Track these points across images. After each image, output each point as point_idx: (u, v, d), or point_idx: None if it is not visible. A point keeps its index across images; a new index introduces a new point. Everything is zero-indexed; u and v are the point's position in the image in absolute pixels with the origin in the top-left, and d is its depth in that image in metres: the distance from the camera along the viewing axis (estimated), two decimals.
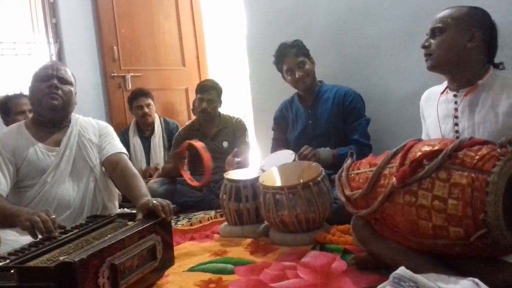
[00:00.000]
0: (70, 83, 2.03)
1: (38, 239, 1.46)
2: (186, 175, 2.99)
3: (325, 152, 2.39)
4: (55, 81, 1.96)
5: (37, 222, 1.48)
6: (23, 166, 1.92)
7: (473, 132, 1.60)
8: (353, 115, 2.53)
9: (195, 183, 2.95)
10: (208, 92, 3.22)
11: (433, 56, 1.65)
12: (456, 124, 1.65)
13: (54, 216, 1.53)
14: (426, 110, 1.85)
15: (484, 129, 1.56)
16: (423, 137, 1.90)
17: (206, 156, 2.80)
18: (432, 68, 1.69)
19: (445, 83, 1.76)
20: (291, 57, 2.57)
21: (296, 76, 2.56)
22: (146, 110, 3.68)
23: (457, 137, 1.62)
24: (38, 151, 1.95)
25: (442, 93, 1.73)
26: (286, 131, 2.75)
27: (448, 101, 1.70)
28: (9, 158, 1.90)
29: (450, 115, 1.68)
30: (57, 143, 2.00)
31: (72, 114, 2.11)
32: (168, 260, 1.61)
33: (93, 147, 2.06)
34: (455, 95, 1.67)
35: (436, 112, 1.74)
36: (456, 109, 1.66)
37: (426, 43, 1.67)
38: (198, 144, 2.86)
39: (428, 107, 1.84)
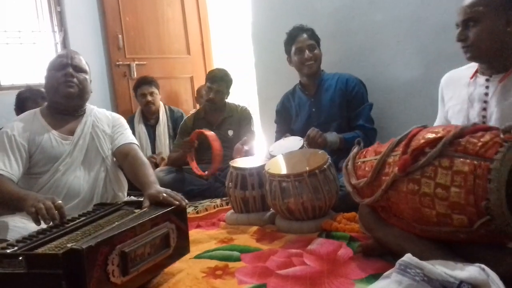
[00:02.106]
0: (85, 71, 2.04)
1: (40, 226, 1.45)
2: (193, 165, 2.99)
3: (332, 136, 2.40)
4: (70, 69, 1.97)
5: (41, 209, 1.48)
6: (37, 153, 1.93)
7: (501, 118, 1.55)
8: (356, 101, 2.53)
9: (201, 173, 2.95)
10: (218, 83, 3.20)
11: (473, 47, 1.58)
12: (484, 109, 1.61)
13: (60, 202, 1.53)
14: (448, 93, 1.80)
15: None
16: (438, 121, 1.87)
17: (216, 145, 2.79)
18: (472, 59, 1.63)
19: (470, 66, 1.71)
20: (303, 38, 2.58)
21: (305, 56, 2.55)
22: (150, 98, 3.67)
23: (484, 122, 1.59)
24: (53, 138, 1.96)
25: (471, 77, 1.68)
26: (290, 122, 2.75)
27: (478, 85, 1.64)
28: (22, 144, 1.91)
29: (479, 100, 1.63)
30: (71, 132, 2.01)
31: (87, 104, 2.12)
32: (183, 248, 1.60)
33: (106, 138, 2.07)
34: (487, 80, 1.62)
35: (461, 95, 1.70)
36: (486, 94, 1.61)
37: (462, 36, 1.60)
38: (209, 134, 2.84)
39: (450, 89, 1.79)
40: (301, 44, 2.57)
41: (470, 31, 1.58)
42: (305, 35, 2.58)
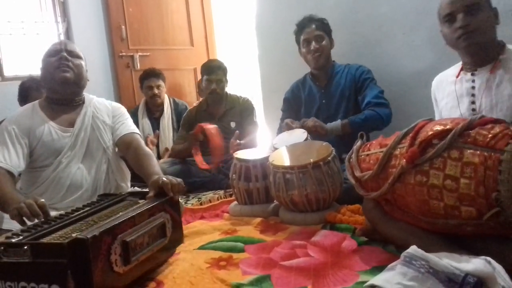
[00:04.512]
0: (80, 57, 2.03)
1: (26, 226, 1.41)
2: (198, 158, 2.98)
3: (332, 123, 2.38)
4: (64, 54, 1.96)
5: (22, 207, 1.46)
6: (38, 147, 1.93)
7: (490, 109, 1.60)
8: (364, 86, 2.50)
9: (205, 166, 2.94)
10: (216, 72, 3.19)
11: (476, 33, 1.61)
12: (473, 103, 1.64)
13: (43, 200, 1.50)
14: (439, 94, 1.85)
15: (502, 105, 1.56)
16: None
17: (215, 140, 2.78)
18: (474, 45, 1.64)
19: (456, 66, 1.76)
20: (311, 28, 2.56)
21: (311, 48, 2.54)
22: (156, 91, 3.68)
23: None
24: (53, 131, 1.96)
25: (457, 76, 1.73)
26: (297, 112, 2.72)
27: (464, 81, 1.70)
28: (23, 138, 1.90)
29: (467, 94, 1.68)
30: (71, 124, 2.00)
31: (86, 94, 2.11)
32: (177, 239, 1.62)
33: (107, 129, 2.06)
34: (472, 74, 1.67)
35: (450, 94, 1.75)
36: (473, 88, 1.66)
37: (466, 22, 1.62)
38: (208, 128, 2.83)
39: (441, 91, 1.84)
40: (308, 35, 2.55)
41: (473, 17, 1.61)
42: (313, 26, 2.56)
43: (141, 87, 3.80)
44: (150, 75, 3.71)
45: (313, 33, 2.55)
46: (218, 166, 2.92)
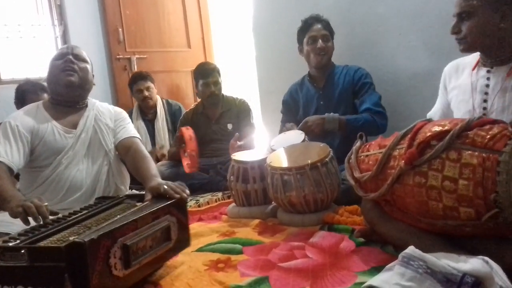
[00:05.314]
0: (86, 61, 2.05)
1: (29, 226, 1.40)
2: (185, 161, 2.97)
3: (330, 117, 2.38)
4: (70, 57, 1.98)
5: (30, 207, 1.44)
6: (39, 145, 1.93)
7: (502, 110, 1.57)
8: (363, 90, 2.49)
9: (189, 171, 2.91)
10: (212, 74, 3.19)
11: (466, 40, 1.61)
12: (485, 101, 1.62)
13: (46, 204, 1.50)
14: (452, 81, 1.79)
15: None
16: (435, 110, 1.87)
17: (190, 145, 2.77)
18: (465, 51, 1.65)
19: (475, 55, 1.71)
20: (318, 27, 2.56)
21: (318, 46, 2.53)
22: (146, 93, 3.65)
23: (484, 114, 1.60)
24: (56, 131, 1.97)
25: (473, 68, 1.69)
26: (296, 114, 2.72)
27: (479, 76, 1.66)
28: (25, 136, 1.91)
29: (480, 91, 1.64)
30: (74, 125, 2.02)
31: (89, 98, 2.12)
32: (184, 241, 1.60)
33: (109, 132, 2.08)
34: (488, 71, 1.64)
35: (462, 86, 1.71)
36: (487, 86, 1.62)
37: (456, 29, 1.62)
38: (186, 133, 2.82)
39: (453, 79, 1.79)
40: (316, 33, 2.55)
41: (463, 24, 1.60)
42: (320, 25, 2.56)
43: (131, 92, 3.79)
44: (137, 79, 3.69)
45: (321, 32, 2.55)
46: (193, 171, 2.88)
